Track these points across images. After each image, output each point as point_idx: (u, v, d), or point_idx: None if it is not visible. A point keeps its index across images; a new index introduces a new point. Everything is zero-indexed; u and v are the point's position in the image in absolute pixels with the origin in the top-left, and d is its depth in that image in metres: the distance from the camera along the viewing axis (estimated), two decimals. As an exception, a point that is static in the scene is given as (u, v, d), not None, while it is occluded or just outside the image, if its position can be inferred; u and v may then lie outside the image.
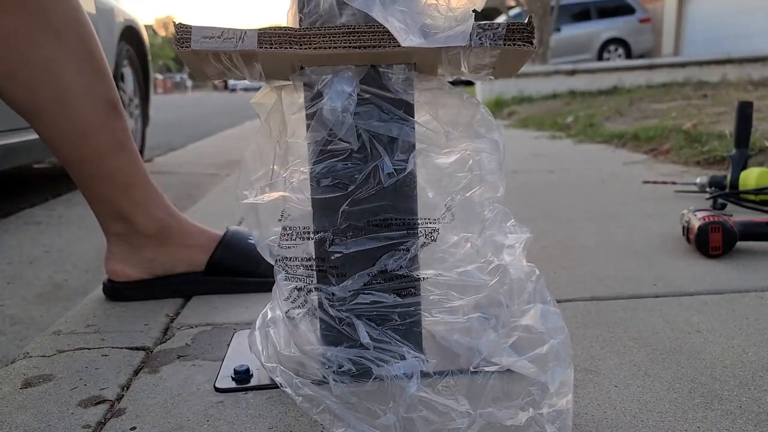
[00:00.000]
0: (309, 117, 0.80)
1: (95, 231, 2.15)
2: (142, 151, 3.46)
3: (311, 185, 0.81)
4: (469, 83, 8.62)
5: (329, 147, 0.79)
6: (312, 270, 0.85)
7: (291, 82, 0.83)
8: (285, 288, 0.87)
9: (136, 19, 3.35)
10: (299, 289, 0.87)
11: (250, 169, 0.86)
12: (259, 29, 0.74)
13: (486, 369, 0.76)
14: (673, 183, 2.25)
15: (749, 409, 0.78)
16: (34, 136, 2.30)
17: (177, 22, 0.74)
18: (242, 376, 0.87)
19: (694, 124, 3.46)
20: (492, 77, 0.83)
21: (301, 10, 0.79)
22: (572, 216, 1.87)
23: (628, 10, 11.84)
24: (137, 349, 1.00)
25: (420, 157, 0.83)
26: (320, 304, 0.84)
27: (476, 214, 0.84)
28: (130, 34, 3.24)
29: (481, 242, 0.84)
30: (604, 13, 11.85)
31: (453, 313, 0.86)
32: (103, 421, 0.79)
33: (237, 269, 1.24)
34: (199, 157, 4.20)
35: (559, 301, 1.07)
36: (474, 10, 0.74)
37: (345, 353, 0.82)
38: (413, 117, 0.81)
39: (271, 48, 0.73)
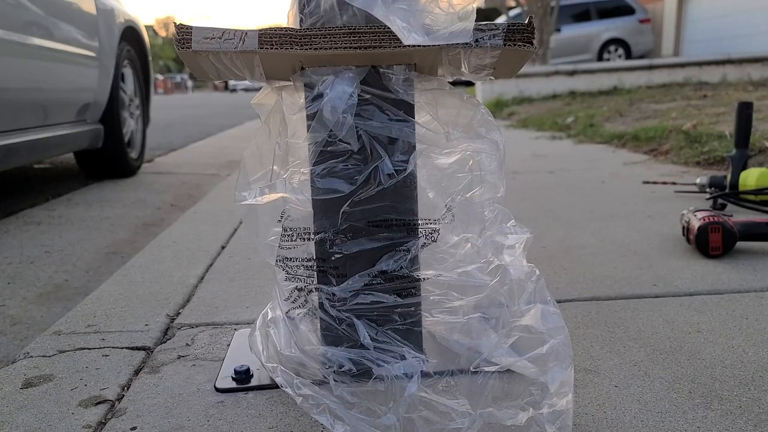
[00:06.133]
0: (309, 118, 0.80)
1: (95, 231, 2.15)
2: (142, 151, 3.46)
3: (312, 186, 0.81)
4: (470, 84, 8.62)
5: (329, 148, 0.80)
6: (312, 270, 0.85)
7: (291, 83, 0.83)
8: (285, 288, 0.88)
9: (136, 19, 3.35)
10: (300, 290, 0.87)
11: (249, 170, 0.86)
12: (260, 30, 0.74)
13: (486, 369, 0.76)
14: (673, 183, 2.25)
15: (749, 409, 0.78)
16: (34, 136, 2.31)
17: (178, 23, 0.74)
18: (242, 376, 0.87)
19: (694, 124, 3.46)
20: (492, 77, 0.83)
21: (301, 10, 0.79)
22: (572, 216, 1.87)
23: (628, 11, 11.82)
24: (137, 349, 1.01)
25: (420, 158, 0.83)
26: (321, 305, 0.84)
27: (476, 214, 0.84)
28: (130, 34, 3.24)
29: (482, 243, 0.84)
30: (604, 13, 11.84)
31: (453, 314, 0.86)
32: (103, 421, 0.80)
33: None
34: (199, 157, 4.19)
35: (559, 301, 1.08)
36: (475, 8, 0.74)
37: (345, 353, 0.82)
38: (414, 117, 0.81)
39: (271, 48, 0.73)
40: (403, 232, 0.83)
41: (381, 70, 0.79)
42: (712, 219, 1.41)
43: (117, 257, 1.82)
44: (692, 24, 11.49)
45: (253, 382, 0.87)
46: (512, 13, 11.35)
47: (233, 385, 0.87)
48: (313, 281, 0.85)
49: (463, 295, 0.86)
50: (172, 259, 1.51)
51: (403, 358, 0.81)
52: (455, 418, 0.71)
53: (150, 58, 3.58)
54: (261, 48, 0.73)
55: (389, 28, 0.72)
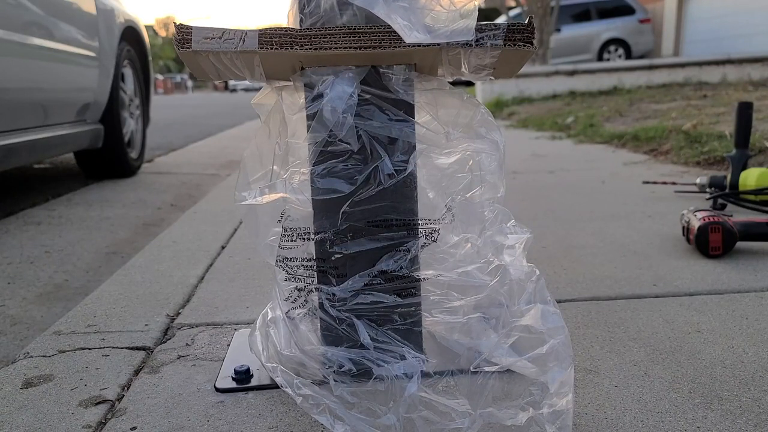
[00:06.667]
0: (309, 118, 0.80)
1: (95, 231, 2.15)
2: (142, 151, 3.46)
3: (312, 186, 0.81)
4: (470, 84, 8.61)
5: (329, 148, 0.80)
6: (312, 270, 0.85)
7: (291, 83, 0.83)
8: (285, 288, 0.88)
9: (136, 19, 3.35)
10: (300, 290, 0.87)
11: (249, 170, 0.86)
12: (260, 30, 0.74)
13: (486, 369, 0.76)
14: (673, 183, 2.25)
15: (749, 409, 0.78)
16: (34, 136, 2.31)
17: (178, 23, 0.74)
18: (242, 376, 0.87)
19: (694, 124, 3.46)
20: (492, 77, 0.83)
21: (301, 10, 0.79)
22: (572, 216, 1.87)
23: (628, 11, 11.83)
24: (137, 349, 1.01)
25: (420, 158, 0.83)
26: (321, 305, 0.84)
27: (476, 214, 0.84)
28: (130, 34, 3.24)
29: (482, 243, 0.84)
30: (604, 13, 11.84)
31: (453, 314, 0.86)
32: (103, 421, 0.80)
33: None
34: (199, 157, 4.19)
35: (559, 301, 1.08)
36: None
37: (345, 353, 0.82)
38: (414, 117, 0.81)
39: (271, 48, 0.73)
40: (403, 232, 0.83)
41: (381, 70, 0.79)
42: (712, 219, 1.41)
43: (117, 257, 1.82)
44: (692, 24, 11.49)
45: (253, 382, 0.87)
46: (512, 13, 11.35)
47: (233, 385, 0.87)
48: (313, 281, 0.85)
49: (463, 295, 0.86)
50: (172, 259, 1.51)
51: (403, 358, 0.81)
52: (455, 418, 0.71)
53: (150, 58, 3.58)
54: (261, 48, 0.73)
55: (389, 28, 0.72)
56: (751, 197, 1.89)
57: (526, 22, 0.75)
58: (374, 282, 0.82)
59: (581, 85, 7.10)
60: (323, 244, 0.83)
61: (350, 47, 0.73)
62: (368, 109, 0.79)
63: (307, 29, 0.74)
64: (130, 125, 3.30)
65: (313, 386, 0.77)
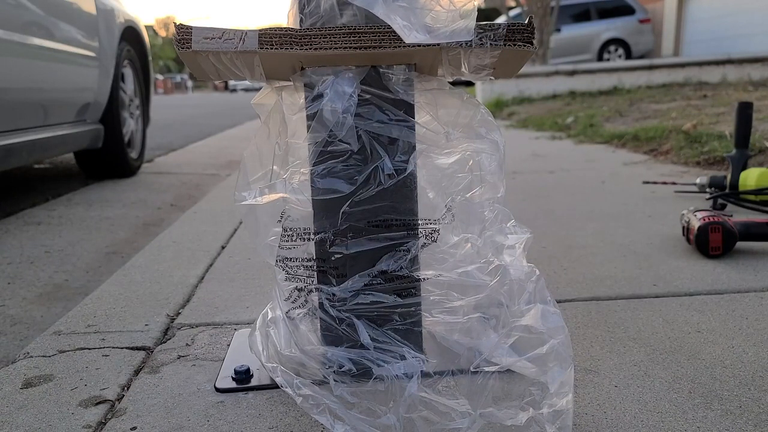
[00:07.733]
0: (309, 118, 0.80)
1: (95, 231, 2.15)
2: (142, 151, 3.46)
3: (312, 186, 0.81)
4: (470, 84, 8.61)
5: (329, 148, 0.80)
6: (312, 270, 0.85)
7: (291, 83, 0.83)
8: (285, 288, 0.88)
9: (136, 19, 3.35)
10: (300, 290, 0.87)
11: (249, 170, 0.86)
12: (260, 30, 0.74)
13: (486, 369, 0.76)
14: (673, 183, 2.25)
15: (749, 409, 0.78)
16: (34, 136, 2.31)
17: (178, 23, 0.74)
18: (242, 376, 0.87)
19: (694, 124, 3.46)
20: (492, 78, 0.83)
21: (301, 10, 0.79)
22: (572, 216, 1.87)
23: (628, 11, 11.84)
24: (137, 349, 1.01)
25: (420, 158, 0.83)
26: (321, 305, 0.84)
27: (476, 214, 0.84)
28: (130, 34, 3.24)
29: (482, 243, 0.84)
30: (604, 13, 11.86)
31: (453, 314, 0.86)
32: (103, 421, 0.80)
33: None
34: (199, 157, 4.20)
35: (559, 301, 1.08)
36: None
37: (345, 353, 0.82)
38: (414, 118, 0.81)
39: (271, 48, 0.73)
40: (403, 232, 0.83)
41: (381, 70, 0.79)
42: (712, 219, 1.41)
43: (117, 257, 1.82)
44: (692, 24, 11.49)
45: (253, 382, 0.87)
46: (512, 13, 11.35)
47: (233, 385, 0.87)
48: (313, 281, 0.85)
49: (463, 295, 0.86)
50: (172, 259, 1.51)
51: (403, 358, 0.81)
52: (455, 418, 0.71)
53: (150, 58, 3.58)
54: (261, 48, 0.73)
55: (389, 28, 0.72)
56: (751, 197, 1.89)
57: (526, 22, 0.75)
58: (374, 282, 0.82)
59: (581, 85, 7.10)
60: (323, 244, 0.83)
61: (350, 47, 0.73)
62: (368, 109, 0.79)
63: (307, 29, 0.74)
64: (130, 125, 3.30)
65: (313, 386, 0.77)
